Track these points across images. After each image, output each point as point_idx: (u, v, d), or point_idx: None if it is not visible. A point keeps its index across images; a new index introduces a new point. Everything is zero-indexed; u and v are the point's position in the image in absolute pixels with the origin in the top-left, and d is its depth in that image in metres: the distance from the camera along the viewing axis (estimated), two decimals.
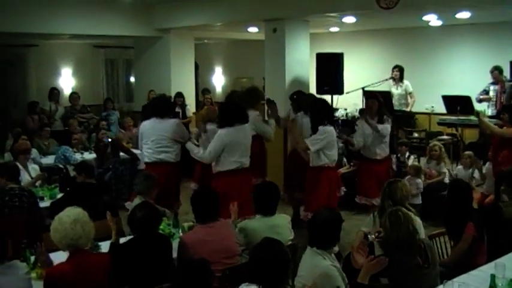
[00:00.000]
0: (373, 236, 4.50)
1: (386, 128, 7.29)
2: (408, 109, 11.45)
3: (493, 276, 3.77)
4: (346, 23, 11.10)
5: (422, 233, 4.59)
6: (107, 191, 7.01)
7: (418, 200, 7.73)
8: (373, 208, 6.33)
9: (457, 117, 10.03)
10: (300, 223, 6.96)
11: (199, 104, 13.33)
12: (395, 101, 11.28)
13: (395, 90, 11.50)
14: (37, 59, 14.18)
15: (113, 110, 12.31)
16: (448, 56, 12.37)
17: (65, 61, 14.83)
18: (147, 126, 6.96)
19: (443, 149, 8.47)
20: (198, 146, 6.79)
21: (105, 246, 4.63)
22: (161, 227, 4.96)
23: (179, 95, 11.77)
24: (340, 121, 10.88)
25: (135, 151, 9.01)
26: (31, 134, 9.60)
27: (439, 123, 10.80)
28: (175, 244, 4.63)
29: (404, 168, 8.48)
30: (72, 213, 3.89)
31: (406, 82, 11.53)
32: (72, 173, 7.92)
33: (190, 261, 3.83)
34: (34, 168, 7.59)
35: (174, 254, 4.50)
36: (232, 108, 6.60)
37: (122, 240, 4.67)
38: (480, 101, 10.35)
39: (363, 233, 4.97)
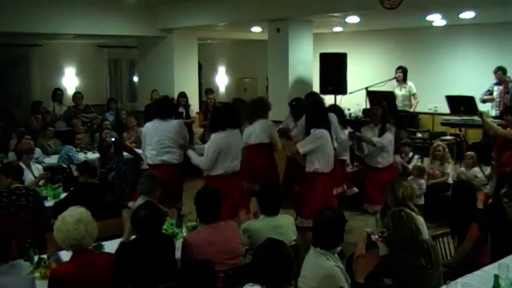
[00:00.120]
0: (376, 236, 4.49)
1: (384, 138, 7.27)
2: (411, 110, 11.43)
3: (496, 277, 3.76)
4: (350, 23, 11.08)
5: (426, 233, 4.58)
6: (110, 191, 7.02)
7: (421, 201, 7.72)
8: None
9: (460, 118, 10.01)
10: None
11: (202, 104, 13.36)
12: (398, 102, 11.26)
13: (399, 92, 11.47)
14: (40, 58, 14.19)
15: (117, 109, 12.31)
16: (452, 56, 12.35)
17: (69, 61, 14.84)
18: (150, 127, 6.99)
19: (446, 149, 8.47)
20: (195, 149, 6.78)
21: (108, 246, 4.63)
22: (164, 226, 4.97)
23: (182, 95, 11.77)
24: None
25: (138, 151, 9.02)
26: (35, 134, 9.62)
27: (443, 124, 10.77)
28: (178, 244, 4.64)
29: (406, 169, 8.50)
30: (75, 213, 3.90)
31: (409, 83, 11.50)
32: (76, 173, 7.93)
33: (194, 262, 3.83)
34: (37, 168, 7.62)
35: (177, 254, 4.50)
36: (225, 112, 6.56)
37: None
38: (484, 101, 10.32)
39: (366, 233, 4.96)
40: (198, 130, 11.92)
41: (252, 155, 7.16)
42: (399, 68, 11.56)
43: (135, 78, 15.50)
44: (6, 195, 5.53)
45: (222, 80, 17.57)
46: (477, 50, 11.95)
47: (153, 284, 3.96)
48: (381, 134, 7.38)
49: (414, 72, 11.78)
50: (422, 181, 7.94)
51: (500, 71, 10.21)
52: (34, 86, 14.10)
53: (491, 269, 4.15)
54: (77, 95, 12.32)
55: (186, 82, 12.56)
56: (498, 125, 7.82)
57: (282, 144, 7.61)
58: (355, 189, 7.52)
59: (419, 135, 11.39)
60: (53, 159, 8.98)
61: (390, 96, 10.90)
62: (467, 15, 9.79)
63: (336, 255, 3.96)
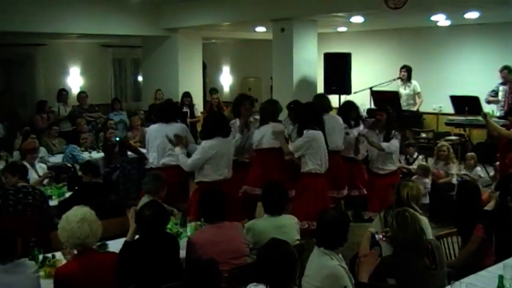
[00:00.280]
0: (380, 236, 4.50)
1: (392, 145, 7.11)
2: (415, 109, 11.41)
3: (501, 277, 3.76)
4: (354, 23, 11.09)
5: (430, 234, 4.57)
6: (115, 190, 7.03)
7: (426, 200, 7.72)
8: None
9: (465, 118, 10.00)
10: None
11: (206, 104, 13.36)
12: (403, 101, 11.25)
13: (403, 91, 11.46)
14: (45, 58, 14.23)
15: (121, 110, 12.32)
16: (456, 56, 12.34)
17: (73, 60, 14.88)
18: (153, 130, 7.03)
19: (451, 150, 8.45)
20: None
21: (112, 245, 4.64)
22: (168, 226, 4.97)
23: (187, 94, 11.79)
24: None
25: (142, 150, 9.04)
26: (39, 133, 9.64)
27: (447, 124, 10.77)
28: (182, 243, 4.64)
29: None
30: (79, 212, 3.91)
31: (414, 82, 11.49)
32: (80, 172, 7.95)
33: (198, 262, 3.84)
34: (42, 167, 7.64)
35: (182, 254, 4.51)
36: (214, 120, 6.52)
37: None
38: (489, 102, 10.32)
39: (370, 233, 4.96)
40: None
41: (264, 159, 7.09)
42: (403, 67, 11.55)
43: (140, 78, 15.54)
44: (13, 193, 5.57)
45: (226, 79, 17.60)
46: (481, 50, 11.94)
47: (157, 284, 3.97)
48: (385, 141, 7.19)
49: (419, 72, 11.77)
50: (427, 180, 7.93)
51: (506, 70, 10.19)
52: (39, 86, 14.14)
53: (495, 270, 4.14)
54: (82, 94, 12.33)
55: (190, 82, 12.58)
56: (502, 125, 7.79)
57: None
58: (365, 191, 7.50)
59: (423, 135, 11.38)
60: (57, 159, 9.00)
61: (395, 96, 10.90)
62: (472, 15, 9.78)
63: (340, 254, 3.96)
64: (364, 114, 11.44)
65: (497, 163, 8.02)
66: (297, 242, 4.84)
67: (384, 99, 10.34)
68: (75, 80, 14.82)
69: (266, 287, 3.34)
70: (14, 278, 3.68)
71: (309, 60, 10.43)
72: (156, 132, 6.93)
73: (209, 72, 17.21)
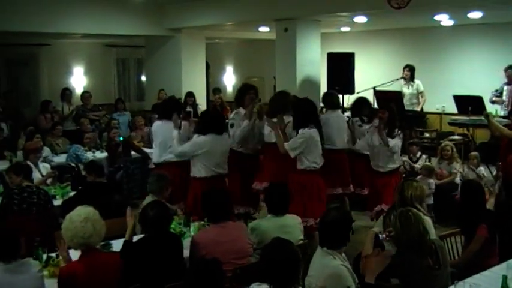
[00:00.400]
0: (383, 236, 4.49)
1: (396, 145, 6.86)
2: (419, 108, 11.40)
3: (504, 277, 3.76)
4: (357, 23, 11.08)
5: (433, 233, 4.57)
6: (118, 190, 7.04)
7: (430, 200, 7.71)
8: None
9: (468, 118, 9.98)
10: None
11: (210, 104, 13.37)
12: (406, 101, 11.24)
13: (407, 90, 11.45)
14: (49, 58, 14.24)
15: (124, 110, 12.34)
16: (460, 55, 12.32)
17: (77, 60, 14.89)
18: (155, 128, 7.07)
19: (455, 149, 8.44)
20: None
21: (116, 245, 4.65)
22: (172, 225, 4.98)
23: (190, 94, 11.80)
24: None
25: (146, 150, 9.07)
26: (43, 133, 9.66)
27: (450, 123, 10.75)
28: (186, 243, 4.65)
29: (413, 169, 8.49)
30: (82, 212, 3.92)
31: (417, 81, 11.47)
32: (84, 172, 7.96)
33: (202, 261, 3.85)
34: (45, 167, 7.65)
35: (185, 253, 4.51)
36: (209, 117, 6.54)
37: (133, 238, 4.69)
38: (494, 102, 10.31)
39: (374, 233, 4.95)
40: None
41: (275, 154, 6.78)
42: (407, 66, 11.54)
43: (143, 78, 15.54)
44: (17, 193, 5.59)
45: (229, 79, 17.60)
46: (485, 50, 11.92)
47: (161, 283, 3.98)
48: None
49: (422, 72, 11.76)
50: (432, 181, 7.92)
51: (510, 70, 10.20)
52: (43, 85, 14.15)
53: (499, 270, 4.14)
54: (85, 94, 12.34)
55: (193, 81, 12.58)
56: (505, 125, 7.77)
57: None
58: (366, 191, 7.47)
59: (427, 135, 11.38)
60: (61, 158, 9.02)
61: (398, 95, 10.88)
62: (475, 15, 9.77)
63: (343, 254, 3.96)
64: None
65: (500, 162, 8.01)
66: (301, 241, 4.85)
67: (387, 99, 10.29)
68: (78, 80, 14.82)
69: (269, 286, 3.35)
70: (18, 277, 3.70)
71: (312, 60, 10.43)
72: (159, 129, 6.95)
73: (212, 72, 17.21)
